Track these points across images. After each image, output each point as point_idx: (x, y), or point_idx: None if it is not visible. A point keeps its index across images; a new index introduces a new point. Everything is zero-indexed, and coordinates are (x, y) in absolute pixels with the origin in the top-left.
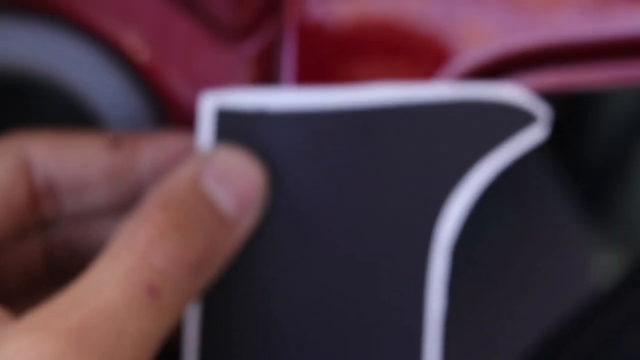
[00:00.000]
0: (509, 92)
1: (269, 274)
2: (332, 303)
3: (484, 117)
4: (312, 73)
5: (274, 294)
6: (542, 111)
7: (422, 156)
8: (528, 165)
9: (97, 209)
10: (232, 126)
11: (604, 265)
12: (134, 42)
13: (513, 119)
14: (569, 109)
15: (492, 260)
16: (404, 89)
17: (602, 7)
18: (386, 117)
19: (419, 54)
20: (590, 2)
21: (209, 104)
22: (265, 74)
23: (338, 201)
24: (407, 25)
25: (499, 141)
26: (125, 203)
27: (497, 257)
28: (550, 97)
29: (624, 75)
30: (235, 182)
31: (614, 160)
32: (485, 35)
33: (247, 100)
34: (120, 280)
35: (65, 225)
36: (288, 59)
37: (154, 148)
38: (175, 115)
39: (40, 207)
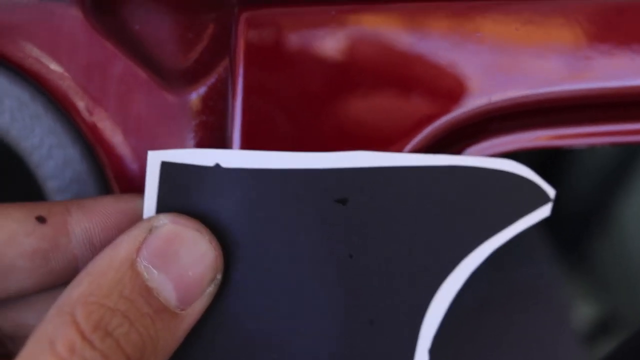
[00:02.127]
0: (513, 166)
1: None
2: None
3: (500, 187)
4: (256, 126)
5: None
6: (552, 191)
7: (420, 225)
8: None
9: (25, 291)
10: (179, 182)
11: (578, 315)
12: (67, 83)
13: (529, 195)
14: (544, 158)
15: (472, 309)
16: (389, 155)
17: (582, 62)
18: (370, 179)
19: (376, 135)
20: (569, 57)
21: (155, 160)
22: (209, 121)
23: (303, 270)
24: (362, 105)
25: (515, 216)
26: (60, 280)
27: (477, 306)
28: (531, 150)
29: (607, 132)
30: (180, 263)
31: (589, 210)
32: (469, 90)
33: (197, 156)
34: None
35: None
36: (234, 110)
37: (87, 217)
38: (114, 164)
39: None
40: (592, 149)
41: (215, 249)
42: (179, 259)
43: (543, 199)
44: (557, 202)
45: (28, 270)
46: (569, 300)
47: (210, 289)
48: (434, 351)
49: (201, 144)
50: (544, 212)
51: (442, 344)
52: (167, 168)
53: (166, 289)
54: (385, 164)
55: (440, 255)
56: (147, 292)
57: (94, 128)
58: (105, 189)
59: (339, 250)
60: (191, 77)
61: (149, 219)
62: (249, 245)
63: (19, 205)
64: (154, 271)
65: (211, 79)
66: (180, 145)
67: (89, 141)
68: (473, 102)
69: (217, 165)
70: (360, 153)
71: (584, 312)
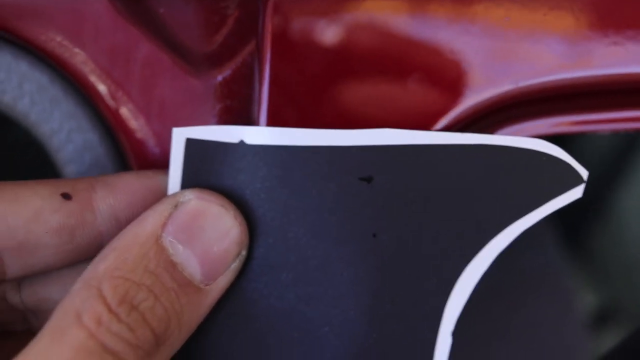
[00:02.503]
0: (544, 145)
1: (239, 322)
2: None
3: (531, 167)
4: (282, 111)
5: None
6: (584, 172)
7: (447, 205)
8: None
9: (49, 267)
10: (204, 159)
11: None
12: (90, 67)
13: (561, 175)
14: None
15: (480, 295)
16: (415, 133)
17: (608, 48)
18: (396, 157)
19: (405, 114)
20: (595, 42)
21: (180, 137)
22: (233, 105)
23: (326, 247)
24: (391, 85)
25: (546, 197)
26: (84, 256)
27: (485, 292)
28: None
29: (611, 118)
30: (205, 238)
31: (588, 201)
32: (479, 87)
33: (222, 132)
34: None
35: (10, 287)
36: (260, 94)
37: (113, 193)
38: (136, 149)
39: None
40: (593, 139)
41: (240, 224)
42: (204, 234)
43: (575, 179)
44: None
45: (54, 247)
46: (575, 288)
47: (235, 265)
48: (456, 334)
49: None
50: (576, 193)
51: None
52: (191, 144)
53: (191, 264)
54: (411, 142)
55: (467, 235)
56: (172, 267)
57: (116, 112)
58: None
59: (363, 228)
60: (216, 61)
61: (175, 194)
62: (273, 222)
63: (45, 182)
64: (179, 246)
65: (236, 63)
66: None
67: (109, 125)
68: (499, 87)
69: (242, 142)
70: (386, 130)
71: (583, 302)
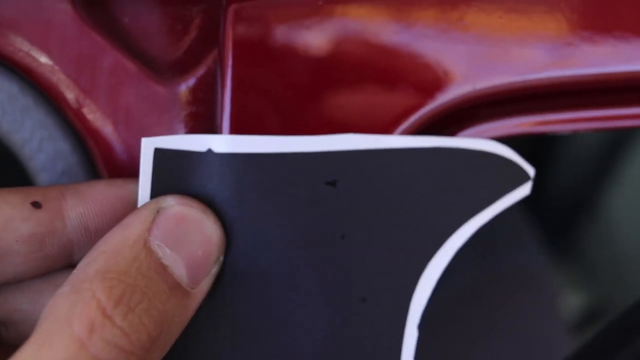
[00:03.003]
0: (495, 146)
1: (216, 337)
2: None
3: (483, 167)
4: (245, 117)
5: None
6: (531, 170)
7: (408, 205)
8: None
9: (19, 276)
10: (173, 168)
11: (566, 304)
12: (57, 76)
13: (509, 173)
14: (534, 147)
15: (461, 294)
16: (376, 138)
17: (565, 49)
18: (359, 161)
19: (365, 120)
20: (552, 44)
21: (149, 146)
22: (199, 111)
23: (296, 251)
24: (349, 92)
25: (497, 195)
26: (54, 266)
27: (466, 291)
28: (517, 136)
29: (592, 118)
30: (189, 242)
31: (576, 200)
32: (437, 90)
33: (189, 142)
34: None
35: None
36: (223, 101)
37: (83, 202)
38: (105, 156)
39: None
40: (580, 138)
41: (219, 229)
42: (189, 239)
43: (523, 177)
44: (545, 192)
45: (24, 255)
46: (557, 287)
47: (215, 269)
48: (422, 329)
49: (191, 133)
50: (524, 190)
51: (429, 328)
52: (160, 154)
53: (178, 268)
54: (373, 147)
55: (427, 234)
56: (162, 270)
57: (84, 120)
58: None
59: (332, 231)
60: (180, 68)
61: (156, 200)
62: (243, 229)
63: (15, 190)
64: (167, 250)
65: (200, 71)
66: (169, 134)
67: (79, 133)
68: (458, 90)
69: (209, 151)
70: (349, 136)
71: (571, 301)
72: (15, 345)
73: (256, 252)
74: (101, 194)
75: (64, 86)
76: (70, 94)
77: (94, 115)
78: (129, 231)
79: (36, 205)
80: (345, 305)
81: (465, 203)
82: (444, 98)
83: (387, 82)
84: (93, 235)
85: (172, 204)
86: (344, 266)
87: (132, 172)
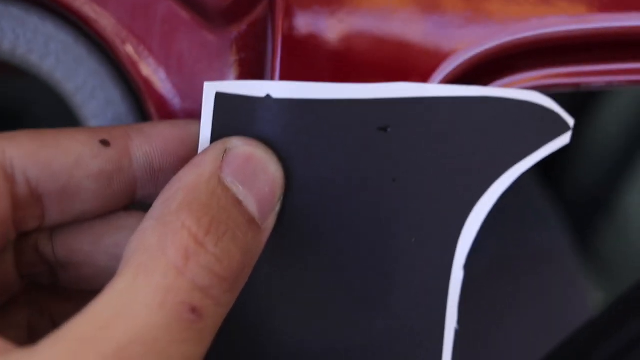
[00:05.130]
0: (537, 97)
1: (273, 274)
2: (337, 306)
3: (526, 116)
4: (295, 65)
5: (278, 296)
6: (571, 120)
7: (455, 151)
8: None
9: (86, 214)
10: (232, 111)
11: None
12: (112, 24)
13: (550, 123)
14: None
15: (485, 269)
16: (425, 87)
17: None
18: (409, 108)
19: (407, 68)
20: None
21: (211, 90)
22: (249, 58)
23: (349, 193)
24: (393, 41)
25: (539, 143)
26: (118, 204)
27: (490, 266)
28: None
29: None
30: (258, 180)
31: (594, 199)
32: (474, 39)
33: (249, 87)
34: (158, 301)
35: (43, 237)
36: (275, 47)
37: (148, 141)
38: (156, 101)
39: (21, 218)
40: (598, 135)
41: (281, 169)
42: (257, 177)
43: (564, 127)
44: (563, 190)
45: (93, 192)
46: (580, 266)
47: (277, 208)
48: (466, 271)
49: (238, 78)
50: (564, 139)
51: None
52: (221, 98)
53: (251, 203)
54: (422, 94)
55: (472, 179)
56: (238, 204)
57: (137, 67)
58: None
59: (383, 174)
60: (231, 16)
61: (222, 141)
62: (298, 170)
63: (83, 130)
64: (239, 186)
65: (250, 18)
66: (219, 79)
67: (130, 82)
68: (498, 38)
69: (268, 96)
70: (400, 84)
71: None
72: (74, 288)
73: (310, 193)
74: (165, 134)
75: (118, 35)
76: (124, 43)
77: (147, 62)
78: (202, 169)
79: (105, 143)
80: (395, 244)
81: (509, 150)
82: (485, 45)
83: (430, 27)
84: (157, 174)
85: (239, 144)
86: (394, 208)
87: (183, 117)
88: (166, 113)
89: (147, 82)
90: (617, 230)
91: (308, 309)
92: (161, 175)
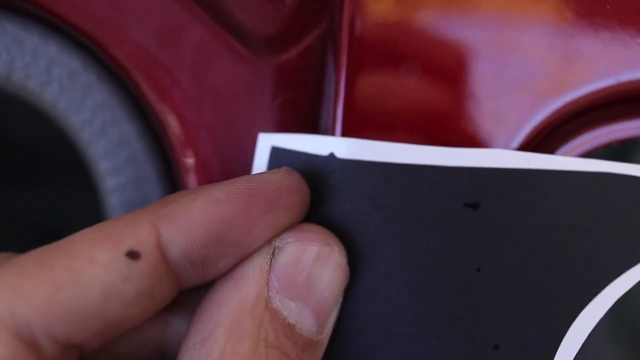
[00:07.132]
0: None
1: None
2: None
3: None
4: (362, 110)
5: None
6: None
7: (562, 242)
8: None
9: (130, 329)
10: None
11: None
12: (133, 51)
13: None
14: None
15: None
16: (530, 156)
17: None
18: (506, 181)
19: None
20: None
21: (266, 144)
22: (299, 95)
23: (423, 283)
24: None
25: None
26: (164, 304)
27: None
28: None
29: None
30: (315, 286)
31: None
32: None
33: (309, 143)
34: None
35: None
36: (337, 89)
37: (182, 234)
38: (181, 143)
39: None
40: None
41: (344, 258)
42: (314, 283)
43: None
44: None
45: (136, 316)
46: None
47: (340, 299)
48: None
49: (285, 122)
50: None
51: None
52: (277, 153)
53: (306, 320)
54: (522, 166)
55: (582, 276)
56: (290, 331)
57: (162, 101)
58: (164, 171)
59: (466, 261)
60: (278, 45)
61: (265, 250)
62: (365, 248)
63: (100, 242)
64: (292, 304)
65: (300, 49)
66: (262, 122)
67: (150, 116)
68: (600, 83)
69: (332, 155)
70: (496, 151)
71: None
72: None
73: (375, 278)
74: (202, 219)
75: (140, 63)
76: (148, 71)
77: (174, 95)
78: (245, 292)
79: (132, 255)
80: (474, 349)
81: (636, 243)
82: (582, 90)
83: (520, 71)
84: (199, 267)
85: (290, 240)
86: (476, 305)
87: (216, 165)
88: (196, 160)
89: (172, 121)
90: None
91: None
92: (205, 265)
